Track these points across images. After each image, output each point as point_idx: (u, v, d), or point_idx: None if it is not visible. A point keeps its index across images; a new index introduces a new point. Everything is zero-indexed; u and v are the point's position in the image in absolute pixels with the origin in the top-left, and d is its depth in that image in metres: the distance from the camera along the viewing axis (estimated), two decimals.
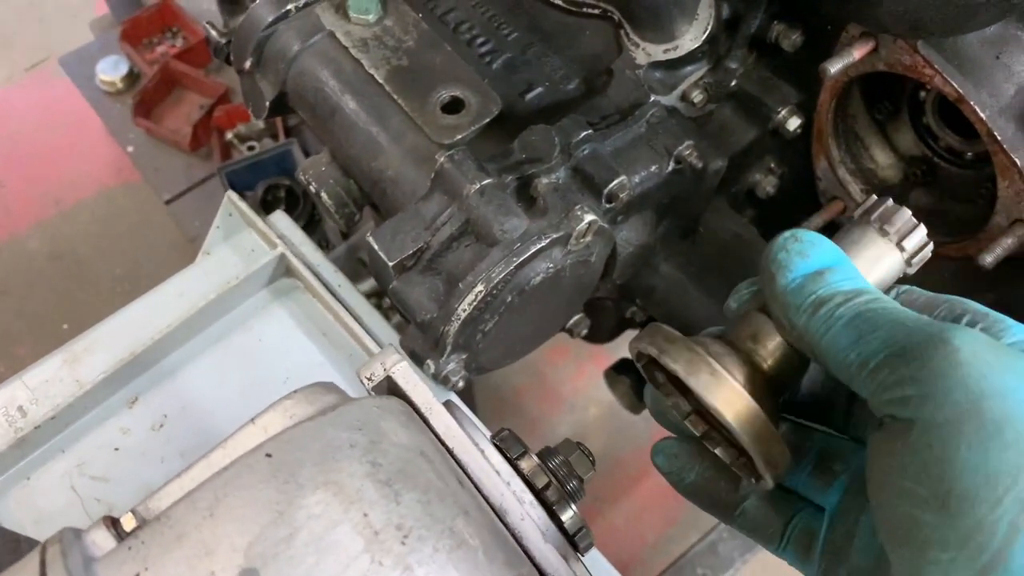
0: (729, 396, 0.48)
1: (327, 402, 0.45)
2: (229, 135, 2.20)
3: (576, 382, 2.38)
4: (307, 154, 2.13)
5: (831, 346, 0.47)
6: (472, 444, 0.51)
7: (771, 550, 0.57)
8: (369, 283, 1.58)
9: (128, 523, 0.41)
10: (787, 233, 0.51)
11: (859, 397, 0.47)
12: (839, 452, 0.55)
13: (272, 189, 2.10)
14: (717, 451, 0.56)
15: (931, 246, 0.54)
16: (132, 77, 2.34)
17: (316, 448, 0.41)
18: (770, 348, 0.52)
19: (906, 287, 0.53)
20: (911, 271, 0.54)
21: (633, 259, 0.89)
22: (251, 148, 2.18)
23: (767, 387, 0.51)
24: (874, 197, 0.55)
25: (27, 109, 2.80)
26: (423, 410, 0.51)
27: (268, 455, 0.41)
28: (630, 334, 1.48)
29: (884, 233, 0.53)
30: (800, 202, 0.98)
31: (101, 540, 0.40)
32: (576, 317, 0.94)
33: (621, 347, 1.51)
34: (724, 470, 0.57)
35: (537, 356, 2.43)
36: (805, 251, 0.50)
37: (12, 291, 2.52)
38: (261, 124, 2.19)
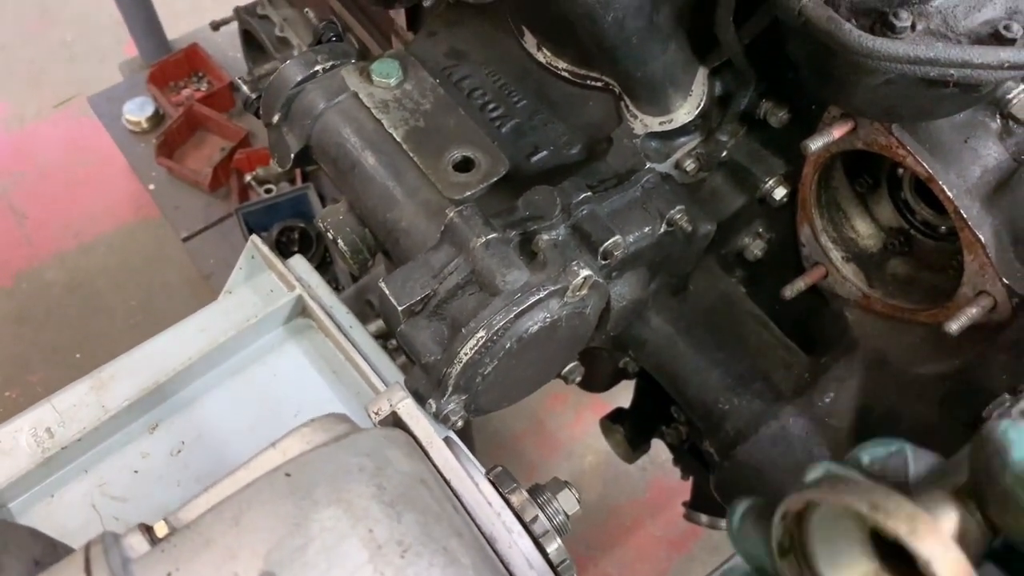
0: None
1: (340, 431, 0.51)
2: (248, 177, 2.28)
3: (573, 429, 2.42)
4: (322, 198, 2.21)
5: None
6: (467, 476, 0.57)
7: None
8: (376, 324, 1.63)
9: (160, 530, 0.47)
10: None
11: None
12: None
13: (287, 231, 2.17)
14: None
15: None
16: (157, 118, 2.43)
17: (329, 470, 0.47)
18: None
19: None
20: None
21: (626, 312, 0.95)
22: (268, 191, 2.26)
23: None
24: None
25: (53, 145, 2.90)
26: (424, 443, 0.56)
27: (287, 474, 0.46)
28: (627, 385, 1.53)
29: None
30: (786, 266, 1.03)
31: (136, 544, 0.46)
32: (571, 365, 1.00)
33: (617, 396, 1.57)
34: None
35: (536, 403, 2.49)
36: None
37: (30, 320, 2.58)
38: (279, 168, 2.27)
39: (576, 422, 2.43)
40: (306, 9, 1.42)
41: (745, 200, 0.99)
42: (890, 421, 0.85)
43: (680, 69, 0.89)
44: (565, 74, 0.98)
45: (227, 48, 2.55)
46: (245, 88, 1.11)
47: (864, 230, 0.98)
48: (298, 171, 2.24)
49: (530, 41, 1.00)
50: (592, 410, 2.40)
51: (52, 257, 2.70)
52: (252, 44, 2.30)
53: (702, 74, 0.91)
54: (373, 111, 0.96)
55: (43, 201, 2.79)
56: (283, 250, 2.18)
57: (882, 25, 0.66)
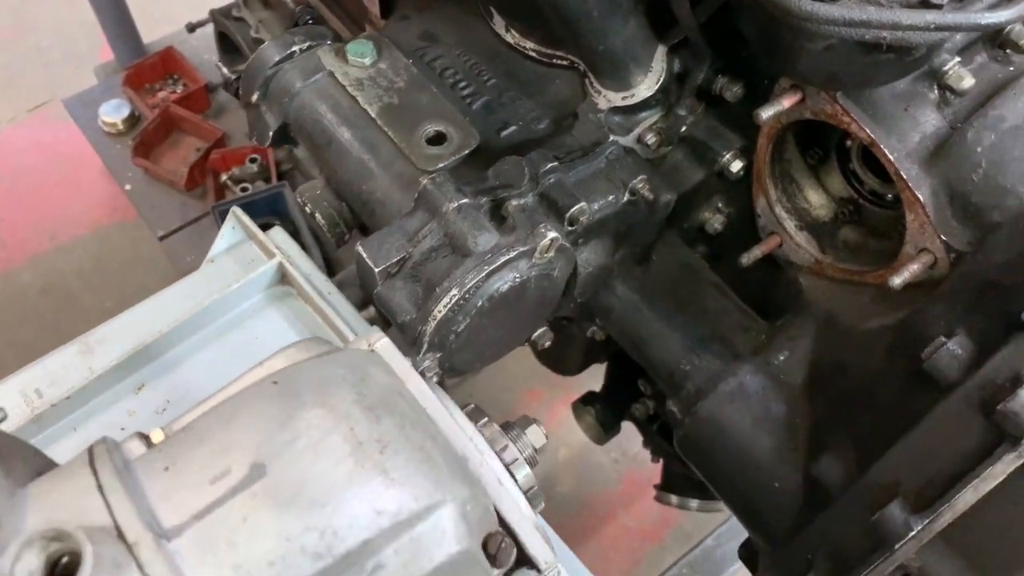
0: None
1: (322, 349, 0.55)
2: (224, 177, 2.31)
3: (548, 424, 2.45)
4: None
5: None
6: (441, 406, 0.61)
7: None
8: None
9: (157, 437, 0.51)
10: None
11: None
12: None
13: (263, 227, 2.20)
14: None
15: None
16: (133, 120, 2.46)
17: (314, 378, 0.51)
18: None
19: None
20: None
21: (592, 279, 1.00)
22: (244, 189, 2.29)
23: None
24: None
25: (28, 148, 2.91)
26: (401, 375, 0.61)
27: (275, 382, 0.51)
28: (598, 371, 1.58)
29: None
30: (745, 239, 1.09)
31: (135, 448, 0.50)
32: (541, 330, 1.04)
33: (589, 385, 1.62)
34: None
35: (511, 396, 2.53)
36: None
37: (4, 321, 2.59)
38: (255, 168, 2.30)
39: (550, 416, 2.47)
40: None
41: (704, 174, 1.04)
42: (839, 372, 0.90)
43: (640, 45, 0.94)
44: (532, 54, 1.03)
45: (202, 51, 2.58)
46: (224, 70, 1.14)
47: (816, 200, 1.03)
48: (273, 170, 2.27)
49: (499, 23, 1.05)
50: (565, 404, 2.44)
51: (27, 260, 2.71)
52: (227, 46, 2.33)
53: (661, 51, 0.97)
54: (348, 89, 1.00)
55: (18, 204, 2.80)
56: None
57: None
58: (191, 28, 2.35)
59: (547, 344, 1.05)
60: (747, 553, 1.10)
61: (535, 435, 0.68)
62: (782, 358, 0.96)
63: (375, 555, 0.47)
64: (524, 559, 0.60)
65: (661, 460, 1.62)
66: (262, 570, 0.44)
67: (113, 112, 2.45)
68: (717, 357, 0.99)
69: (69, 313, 2.60)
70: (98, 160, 2.81)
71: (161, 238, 2.33)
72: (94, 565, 0.40)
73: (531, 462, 0.66)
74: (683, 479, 1.63)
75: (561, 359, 1.41)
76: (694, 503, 1.66)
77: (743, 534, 1.05)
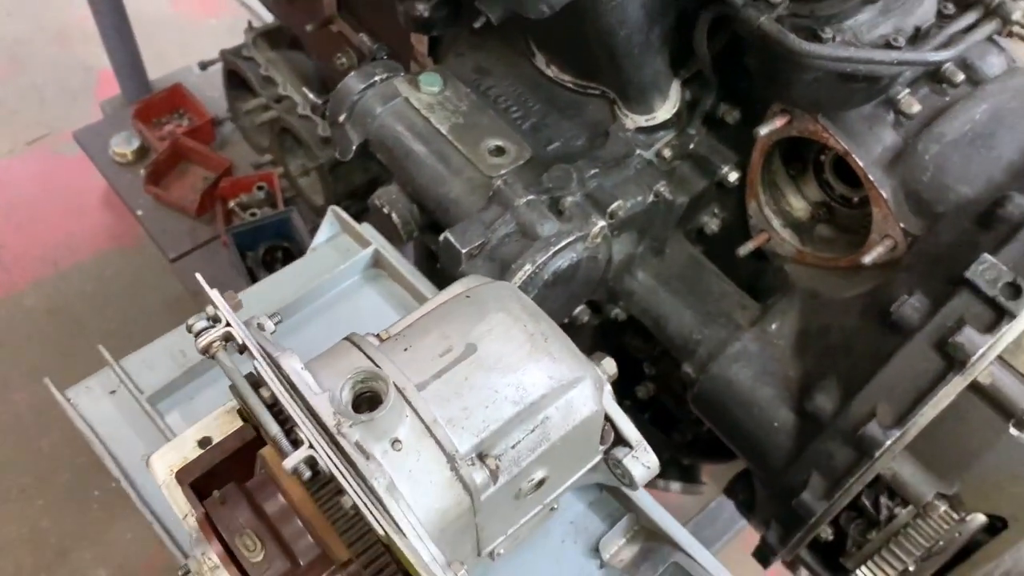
0: None
1: (485, 281, 0.77)
2: (232, 204, 2.50)
3: None
4: (306, 221, 2.43)
5: None
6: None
7: None
8: None
9: (384, 336, 0.71)
10: None
11: None
12: None
13: (272, 250, 2.39)
14: None
15: None
16: (142, 150, 2.63)
17: (492, 294, 0.72)
18: None
19: None
20: None
21: (621, 266, 1.23)
22: (252, 215, 2.47)
23: None
24: None
25: (27, 179, 3.04)
26: None
27: (467, 296, 0.72)
28: None
29: None
30: (734, 239, 1.33)
31: (374, 341, 0.70)
32: (580, 307, 1.26)
33: None
34: None
35: None
36: None
37: (9, 343, 2.71)
38: (262, 195, 2.49)
39: None
40: (338, 56, 1.65)
41: (707, 183, 1.28)
42: (823, 333, 1.14)
43: (663, 78, 1.19)
44: (569, 85, 1.27)
45: (205, 88, 2.77)
46: (311, 95, 1.35)
47: (796, 204, 1.29)
48: (279, 197, 2.46)
49: (540, 60, 1.29)
50: None
51: (30, 284, 2.84)
52: (234, 83, 2.54)
53: (677, 83, 1.22)
54: (422, 111, 1.23)
55: (19, 231, 2.93)
56: (269, 268, 2.39)
57: (813, 37, 0.97)
58: (203, 66, 2.55)
59: (585, 319, 1.28)
60: (739, 495, 1.33)
61: (608, 363, 0.90)
62: (774, 327, 1.20)
63: (544, 410, 0.68)
64: (620, 439, 0.81)
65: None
66: (480, 410, 0.65)
67: (124, 144, 2.62)
68: (723, 328, 1.22)
69: (73, 334, 2.73)
70: (98, 190, 2.98)
71: (173, 260, 2.50)
72: (389, 400, 0.60)
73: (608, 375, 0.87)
74: (668, 465, 1.86)
75: None
76: (676, 486, 1.89)
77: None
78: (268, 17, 2.55)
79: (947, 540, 1.04)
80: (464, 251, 1.07)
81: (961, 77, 1.12)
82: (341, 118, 1.25)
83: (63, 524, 2.42)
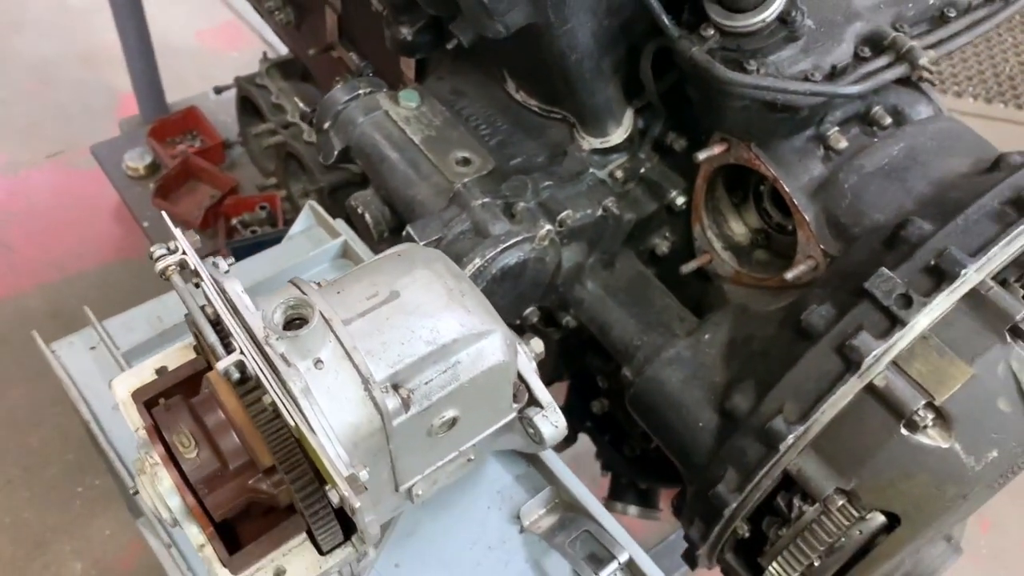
0: None
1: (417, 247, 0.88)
2: (234, 220, 2.63)
3: None
4: None
5: None
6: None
7: None
8: None
9: (323, 283, 0.82)
10: None
11: None
12: None
13: None
14: None
15: None
16: (154, 167, 2.78)
17: (421, 255, 0.83)
18: None
19: None
20: None
21: (571, 272, 1.34)
22: (253, 232, 2.60)
23: None
24: None
25: (44, 189, 3.19)
26: None
27: (399, 255, 0.83)
28: (560, 389, 1.89)
29: None
30: (684, 260, 1.44)
31: (314, 287, 0.81)
32: (530, 309, 1.37)
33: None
34: None
35: None
36: None
37: (11, 340, 2.82)
38: (263, 214, 2.62)
39: None
40: (337, 80, 1.79)
41: (657, 206, 1.40)
42: (747, 342, 1.24)
43: (615, 105, 1.31)
44: (535, 108, 1.40)
45: (219, 112, 2.93)
46: (302, 105, 1.49)
47: (737, 229, 1.40)
48: (280, 216, 2.59)
49: (511, 85, 1.41)
50: None
51: (35, 287, 2.96)
52: (246, 108, 2.69)
53: (630, 111, 1.34)
54: (399, 123, 1.35)
55: (31, 237, 3.06)
56: None
57: (739, 68, 1.10)
58: (218, 91, 2.70)
59: (534, 320, 1.38)
60: (676, 503, 1.41)
61: (536, 342, 1.00)
62: (707, 336, 1.30)
63: (456, 354, 0.78)
64: (533, 400, 0.91)
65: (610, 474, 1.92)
66: (396, 346, 0.75)
67: (137, 159, 2.77)
68: (660, 336, 1.33)
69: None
70: (109, 204, 3.12)
71: None
72: (313, 322, 0.71)
73: (535, 353, 0.97)
74: (626, 489, 1.94)
75: None
76: (634, 510, 1.97)
77: None
78: (283, 51, 2.71)
79: (848, 536, 1.12)
80: (422, 243, 1.18)
81: (889, 121, 1.24)
82: (326, 125, 1.37)
83: (45, 517, 2.50)
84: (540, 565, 1.03)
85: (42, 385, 2.75)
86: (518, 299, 1.29)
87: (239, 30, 3.83)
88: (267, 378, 0.68)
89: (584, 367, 1.64)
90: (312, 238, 1.28)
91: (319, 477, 0.72)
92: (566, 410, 1.85)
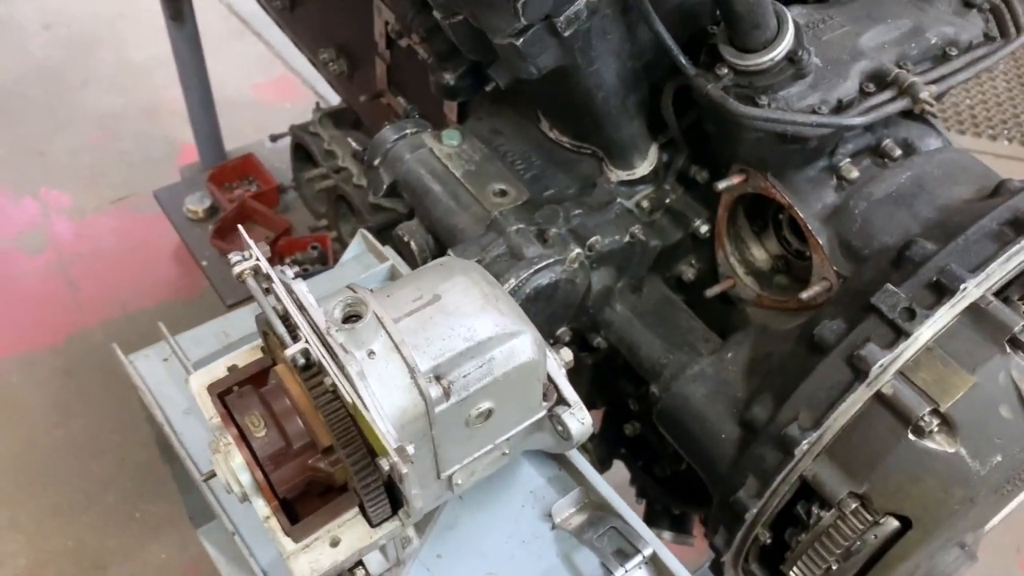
0: None
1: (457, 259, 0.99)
2: (287, 260, 2.77)
3: None
4: None
5: None
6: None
7: None
8: None
9: (375, 290, 0.93)
10: None
11: None
12: None
13: None
14: None
15: None
16: (212, 210, 2.95)
17: (460, 265, 0.94)
18: None
19: None
20: None
21: (601, 296, 1.44)
22: (304, 270, 2.74)
23: None
24: None
25: (108, 233, 3.39)
26: None
27: (441, 264, 0.94)
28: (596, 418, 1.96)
29: None
30: (709, 285, 1.53)
31: (366, 292, 0.92)
32: (562, 328, 1.47)
33: None
34: None
35: None
36: None
37: (76, 373, 2.98)
38: (315, 254, 2.77)
39: None
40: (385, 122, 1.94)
41: (682, 234, 1.50)
42: (767, 359, 1.33)
43: (640, 140, 1.42)
44: (567, 145, 1.51)
45: (274, 159, 3.11)
46: (355, 144, 1.62)
47: (759, 255, 1.49)
48: (331, 254, 2.73)
49: (544, 124, 1.53)
50: None
51: (99, 323, 3.13)
52: (300, 154, 2.85)
53: (654, 146, 1.45)
54: (441, 159, 1.48)
55: (96, 277, 3.25)
56: None
57: (751, 103, 1.20)
58: (273, 139, 2.87)
59: (567, 339, 1.48)
60: (705, 518, 1.49)
61: (565, 351, 1.10)
62: (730, 355, 1.38)
63: (490, 351, 0.88)
64: (561, 399, 1.01)
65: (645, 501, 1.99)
66: (438, 341, 0.86)
67: (197, 202, 2.95)
68: (686, 355, 1.41)
69: None
70: (168, 246, 3.30)
71: (229, 306, 2.77)
72: (367, 317, 0.81)
73: (564, 360, 1.07)
74: (661, 515, 2.01)
75: None
76: (668, 535, 2.03)
77: None
78: (334, 103, 2.88)
79: (864, 541, 1.18)
80: None
81: (899, 152, 1.33)
82: (376, 162, 1.50)
83: (105, 541, 2.63)
84: (570, 558, 1.11)
85: (103, 416, 2.91)
86: (551, 318, 1.39)
87: (292, 83, 4.04)
88: (329, 362, 0.78)
89: (617, 394, 1.73)
90: (362, 263, 1.40)
91: (371, 452, 0.82)
92: (600, 437, 1.95)
